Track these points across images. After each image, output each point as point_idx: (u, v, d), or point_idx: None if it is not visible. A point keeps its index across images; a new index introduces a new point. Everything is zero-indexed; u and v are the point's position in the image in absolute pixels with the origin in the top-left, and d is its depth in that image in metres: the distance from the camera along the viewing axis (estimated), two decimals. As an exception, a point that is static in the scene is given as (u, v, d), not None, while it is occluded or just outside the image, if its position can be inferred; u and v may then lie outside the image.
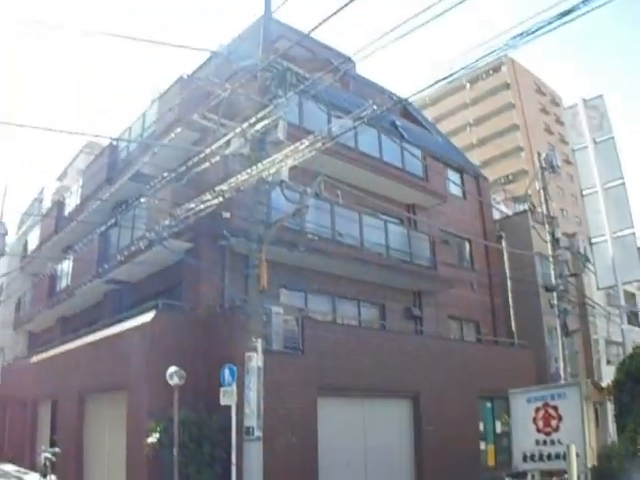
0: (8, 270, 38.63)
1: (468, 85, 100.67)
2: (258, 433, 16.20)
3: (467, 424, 24.93)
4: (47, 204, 42.05)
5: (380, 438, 22.15)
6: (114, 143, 28.52)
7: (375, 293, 25.97)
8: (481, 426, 26.53)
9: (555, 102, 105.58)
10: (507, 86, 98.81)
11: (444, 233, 29.78)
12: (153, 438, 17.58)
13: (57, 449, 24.01)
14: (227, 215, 18.45)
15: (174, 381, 16.86)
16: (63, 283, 30.15)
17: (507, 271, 34.32)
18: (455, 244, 31.45)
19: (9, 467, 30.23)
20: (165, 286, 22.59)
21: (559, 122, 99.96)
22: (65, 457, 23.67)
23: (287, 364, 18.84)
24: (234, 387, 16.33)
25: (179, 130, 20.61)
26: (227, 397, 16.41)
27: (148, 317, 19.36)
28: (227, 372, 16.57)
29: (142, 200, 20.94)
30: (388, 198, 27.05)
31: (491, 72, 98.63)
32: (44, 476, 23.49)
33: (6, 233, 40.73)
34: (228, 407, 16.72)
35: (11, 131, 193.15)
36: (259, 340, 16.53)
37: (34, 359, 31.32)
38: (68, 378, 25.01)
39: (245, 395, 16.32)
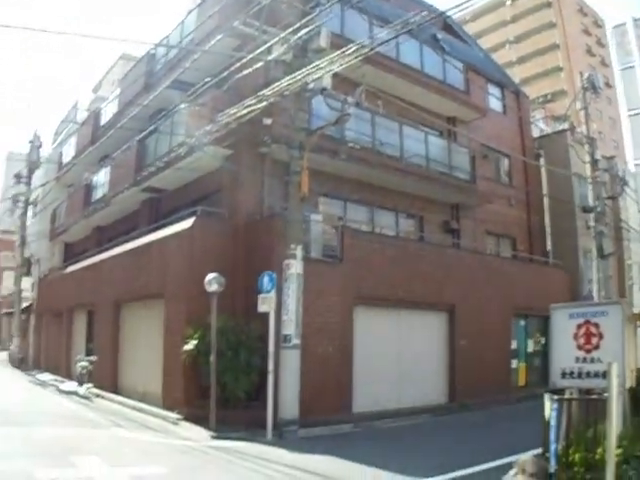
0: (44, 182, 38.75)
1: (509, 2, 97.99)
2: (296, 341, 16.26)
3: (500, 341, 24.90)
4: (82, 116, 41.60)
5: (414, 350, 22.08)
6: (152, 52, 28.03)
7: (413, 205, 25.61)
8: (514, 344, 26.44)
9: (597, 24, 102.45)
10: (548, 4, 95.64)
11: (483, 148, 29.27)
12: (190, 345, 17.60)
13: (93, 357, 24.43)
14: (268, 122, 18.01)
15: (213, 288, 16.75)
16: (99, 193, 30.04)
17: (545, 189, 33.86)
18: (494, 160, 30.91)
19: (47, 376, 30.67)
20: (203, 194, 22.35)
21: (600, 44, 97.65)
22: (101, 365, 24.10)
23: (325, 273, 18.70)
24: (273, 294, 16.30)
25: (219, 37, 20.13)
26: (265, 304, 16.38)
27: (187, 223, 19.24)
28: (266, 279, 16.52)
29: (182, 107, 20.65)
30: (428, 110, 26.26)
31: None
32: (80, 384, 23.90)
33: (41, 145, 40.99)
34: (266, 315, 16.70)
35: (47, 40, 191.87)
36: (299, 247, 16.43)
37: (70, 269, 31.55)
38: (104, 287, 25.23)
39: (283, 302, 16.33)
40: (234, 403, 17.37)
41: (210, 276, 16.78)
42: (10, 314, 49.45)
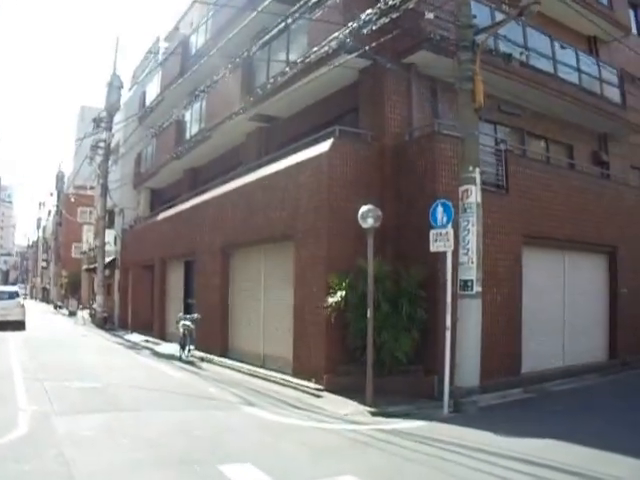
0: (125, 125, 36.09)
1: None
2: (478, 288, 13.02)
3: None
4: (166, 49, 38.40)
5: (578, 299, 18.87)
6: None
7: (564, 132, 21.98)
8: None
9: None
10: None
11: (628, 73, 25.39)
12: (337, 297, 14.44)
13: (197, 315, 21.44)
14: (430, 16, 14.36)
15: (368, 223, 13.35)
16: (193, 129, 27.04)
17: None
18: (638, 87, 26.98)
19: (137, 337, 28.20)
20: (328, 118, 18.82)
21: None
22: (207, 324, 21.30)
23: (491, 205, 14.84)
24: (449, 228, 12.82)
25: None
26: (440, 241, 12.98)
27: (323, 147, 15.83)
28: (440, 210, 13.04)
29: (300, 15, 17.19)
30: (568, 28, 22.81)
31: None
32: (183, 347, 21.05)
33: (122, 86, 38.20)
34: (425, 257, 13.89)
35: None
36: (477, 170, 13.14)
37: (162, 216, 28.69)
38: (208, 232, 22.38)
39: (461, 239, 13.04)
40: (390, 368, 14.28)
41: (365, 208, 13.38)
42: (92, 270, 47.46)
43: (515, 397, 14.67)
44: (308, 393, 14.63)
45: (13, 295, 32.94)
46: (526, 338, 16.59)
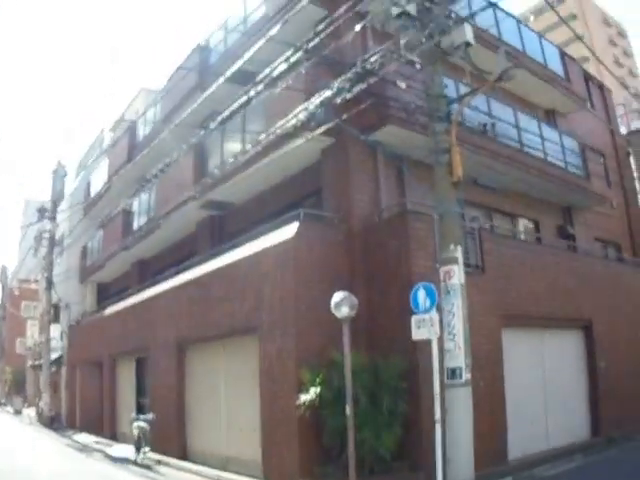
0: (70, 217, 34.91)
1: (532, 17, 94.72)
2: (467, 375, 11.92)
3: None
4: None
5: (557, 377, 18.13)
6: (203, 43, 23.86)
7: (529, 207, 21.50)
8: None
9: (621, 34, 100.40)
10: (574, 17, 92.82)
11: (582, 145, 25.11)
12: (311, 394, 13.20)
13: (151, 415, 19.93)
14: (402, 85, 13.68)
15: (343, 312, 12.07)
16: (142, 219, 25.92)
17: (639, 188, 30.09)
18: (593, 158, 26.76)
19: (87, 438, 26.49)
20: (287, 202, 17.90)
21: (627, 54, 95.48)
22: (163, 425, 19.77)
23: (468, 286, 13.64)
24: (434, 313, 11.69)
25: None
26: (423, 328, 11.79)
27: (287, 233, 14.78)
28: (422, 293, 11.87)
29: (257, 93, 16.30)
30: (527, 101, 22.67)
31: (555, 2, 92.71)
32: (138, 449, 19.45)
33: (65, 174, 37.03)
34: (403, 346, 13.06)
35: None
36: (458, 248, 12.18)
37: (109, 311, 27.22)
38: (160, 328, 21.06)
39: (446, 324, 12.02)
40: (371, 466, 13.00)
41: (338, 296, 12.16)
42: (37, 367, 45.54)
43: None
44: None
45: None
46: (510, 423, 15.59)
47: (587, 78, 29.93)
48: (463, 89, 15.21)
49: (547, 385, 17.70)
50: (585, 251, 22.43)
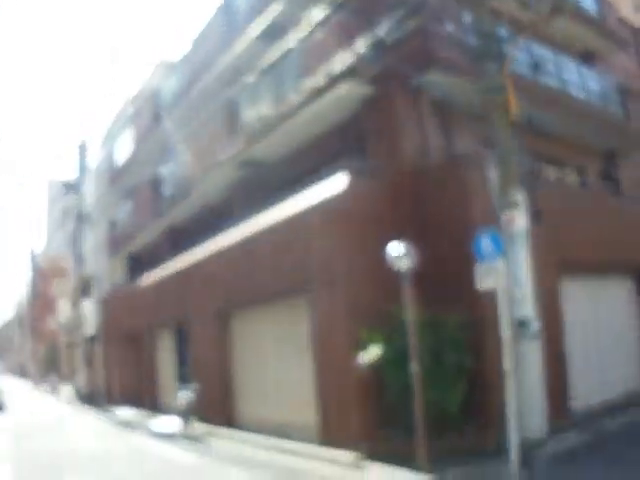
0: (96, 190, 34.63)
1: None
2: (537, 325, 11.35)
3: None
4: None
5: (612, 324, 17.64)
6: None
7: (571, 152, 20.67)
8: None
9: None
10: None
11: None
12: (373, 353, 12.60)
13: (195, 385, 19.74)
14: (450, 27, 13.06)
15: (404, 264, 11.67)
16: (171, 186, 25.35)
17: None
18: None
19: (127, 412, 26.16)
20: (323, 159, 17.24)
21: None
22: (207, 394, 19.44)
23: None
24: (500, 262, 11.08)
25: None
26: (489, 277, 11.18)
27: (335, 185, 14.12)
28: (486, 241, 11.24)
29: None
30: (564, 43, 21.75)
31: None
32: (185, 420, 19.30)
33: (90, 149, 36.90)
34: (464, 298, 12.48)
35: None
36: (520, 192, 11.58)
37: (146, 281, 26.72)
38: (201, 295, 20.63)
39: (512, 273, 11.39)
40: (439, 426, 12.29)
41: (397, 247, 11.68)
42: (72, 344, 45.43)
43: (574, 441, 12.94)
44: (348, 465, 12.65)
45: None
46: (575, 374, 15.15)
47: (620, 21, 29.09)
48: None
49: (603, 334, 17.15)
50: (632, 197, 21.74)
